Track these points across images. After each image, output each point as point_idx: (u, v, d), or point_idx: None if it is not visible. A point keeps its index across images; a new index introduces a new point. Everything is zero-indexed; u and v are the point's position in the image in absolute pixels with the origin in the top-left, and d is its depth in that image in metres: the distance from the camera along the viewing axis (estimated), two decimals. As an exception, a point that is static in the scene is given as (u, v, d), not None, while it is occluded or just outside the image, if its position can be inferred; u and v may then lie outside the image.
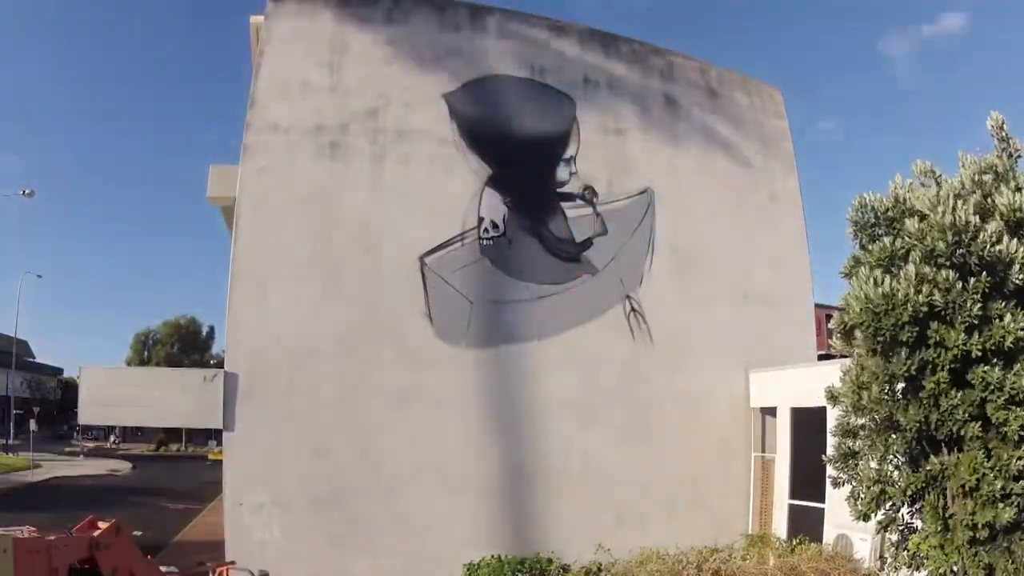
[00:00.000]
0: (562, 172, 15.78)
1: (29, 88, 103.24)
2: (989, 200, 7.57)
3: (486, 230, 14.93)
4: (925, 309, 7.07)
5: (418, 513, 13.60)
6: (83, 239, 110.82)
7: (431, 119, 15.10)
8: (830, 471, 8.52)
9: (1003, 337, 6.84)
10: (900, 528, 8.05)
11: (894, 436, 7.67)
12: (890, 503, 7.75)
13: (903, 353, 7.32)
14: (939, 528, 7.27)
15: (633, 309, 15.65)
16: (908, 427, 7.32)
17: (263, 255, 13.94)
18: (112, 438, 68.43)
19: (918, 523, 7.85)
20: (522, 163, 15.52)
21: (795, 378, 14.75)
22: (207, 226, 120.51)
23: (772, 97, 18.58)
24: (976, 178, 7.88)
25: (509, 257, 14.98)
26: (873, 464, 7.87)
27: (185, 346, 68.26)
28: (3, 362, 55.29)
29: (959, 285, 7.02)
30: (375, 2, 15.57)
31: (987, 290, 7.06)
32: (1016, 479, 6.77)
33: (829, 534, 12.95)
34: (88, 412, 14.93)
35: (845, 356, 8.84)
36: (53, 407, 72.35)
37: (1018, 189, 7.56)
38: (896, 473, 7.75)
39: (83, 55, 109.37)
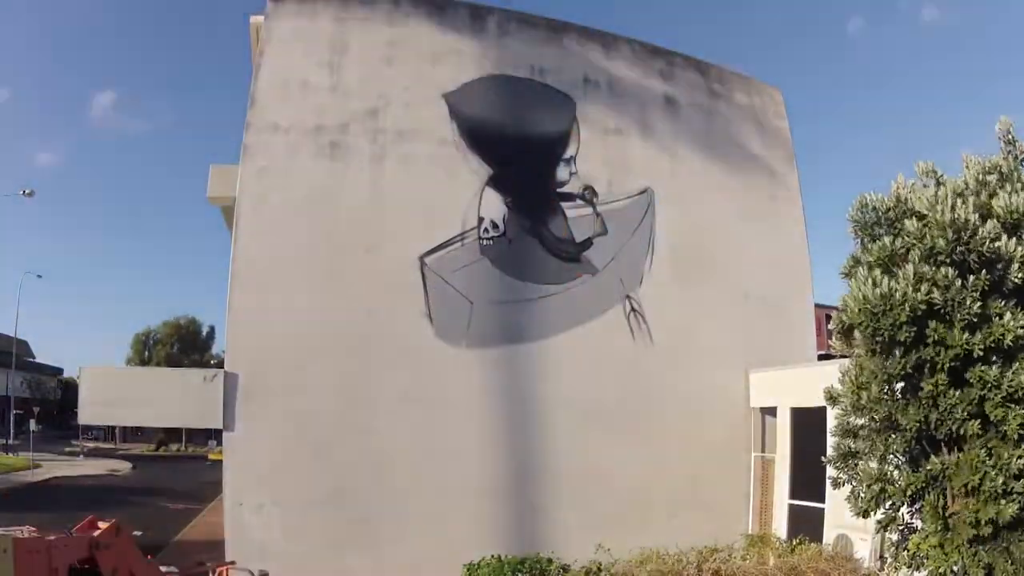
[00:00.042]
0: (562, 172, 15.78)
1: (29, 88, 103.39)
2: (992, 200, 7.57)
3: (486, 230, 14.93)
4: (923, 308, 7.06)
5: (418, 513, 13.60)
6: (83, 239, 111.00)
7: (431, 119, 15.10)
8: (830, 472, 8.50)
9: (1003, 335, 6.85)
10: (900, 528, 8.03)
11: (894, 436, 7.65)
12: (890, 502, 7.74)
13: (898, 353, 7.32)
14: (939, 528, 7.26)
15: (633, 309, 15.65)
16: (908, 427, 7.31)
17: (263, 255, 13.94)
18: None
19: (918, 523, 7.84)
20: (522, 163, 15.52)
21: (795, 378, 14.74)
22: (207, 226, 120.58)
23: (772, 97, 18.57)
24: (980, 178, 7.88)
25: (509, 257, 14.98)
26: (873, 464, 7.87)
27: (185, 346, 68.33)
28: (3, 362, 55.38)
29: (958, 283, 7.02)
30: (375, 2, 15.56)
31: (986, 288, 7.07)
32: (1017, 477, 6.76)
33: (829, 534, 12.94)
34: (88, 412, 14.95)
35: (845, 356, 8.85)
36: (53, 407, 72.40)
37: (1021, 189, 7.56)
38: (896, 473, 7.74)
39: (84, 55, 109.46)
